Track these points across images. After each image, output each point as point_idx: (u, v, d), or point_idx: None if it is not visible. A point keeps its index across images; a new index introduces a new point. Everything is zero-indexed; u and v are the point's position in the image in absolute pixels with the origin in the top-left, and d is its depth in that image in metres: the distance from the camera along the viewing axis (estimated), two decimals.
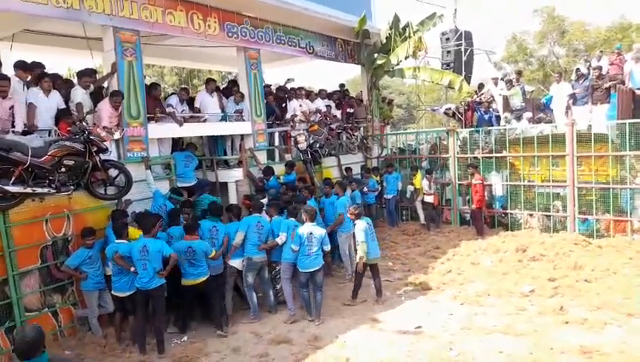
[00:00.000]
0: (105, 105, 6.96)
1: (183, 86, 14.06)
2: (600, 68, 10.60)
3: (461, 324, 6.19)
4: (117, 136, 6.91)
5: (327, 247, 6.60)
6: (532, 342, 5.53)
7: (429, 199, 10.97)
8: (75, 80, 7.65)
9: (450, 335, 5.87)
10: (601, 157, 9.46)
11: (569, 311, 6.34)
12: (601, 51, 12.47)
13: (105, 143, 6.49)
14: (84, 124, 6.40)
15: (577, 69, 11.40)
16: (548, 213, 10.07)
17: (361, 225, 6.93)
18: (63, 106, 6.77)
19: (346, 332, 6.13)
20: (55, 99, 6.67)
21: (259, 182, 8.94)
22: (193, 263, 6.14)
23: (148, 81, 9.25)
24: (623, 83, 10.61)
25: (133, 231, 6.30)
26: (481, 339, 5.74)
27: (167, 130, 8.09)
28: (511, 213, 10.65)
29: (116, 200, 6.85)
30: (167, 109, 8.14)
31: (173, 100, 8.57)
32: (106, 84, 7.45)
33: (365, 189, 10.54)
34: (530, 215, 10.39)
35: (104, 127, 6.62)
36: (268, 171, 9.07)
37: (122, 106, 7.12)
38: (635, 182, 9.22)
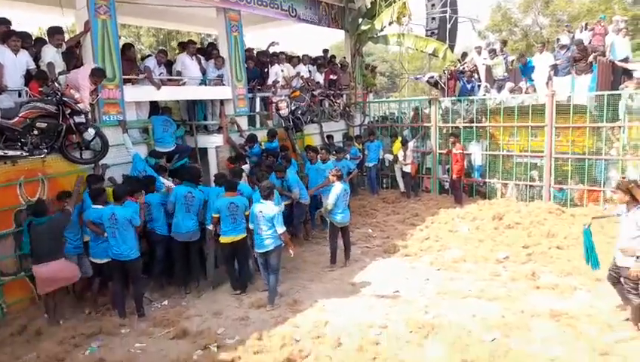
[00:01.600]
0: (85, 79, 6.48)
1: (160, 48, 13.57)
2: (581, 42, 10.63)
3: (437, 289, 6.36)
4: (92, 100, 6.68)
5: (280, 229, 5.92)
6: (504, 306, 5.74)
7: (407, 169, 11.04)
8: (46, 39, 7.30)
9: (426, 300, 6.04)
10: (578, 128, 9.61)
11: (541, 276, 6.57)
12: (586, 23, 12.46)
13: (79, 105, 6.29)
14: (56, 85, 6.17)
15: (559, 40, 11.42)
16: (525, 183, 10.27)
17: (337, 189, 7.06)
18: (33, 66, 6.49)
19: (325, 297, 6.24)
20: (24, 59, 6.37)
21: (240, 149, 8.85)
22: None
23: (123, 42, 8.86)
24: (603, 55, 10.69)
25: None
26: (456, 303, 5.92)
27: (145, 93, 7.86)
28: (489, 182, 10.83)
29: (93, 165, 6.70)
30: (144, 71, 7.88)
31: (151, 62, 8.27)
32: (81, 42, 7.13)
33: (347, 157, 10.53)
34: (505, 184, 10.58)
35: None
36: (251, 138, 8.97)
37: (94, 60, 6.86)
38: (610, 153, 9.43)
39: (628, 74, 10.74)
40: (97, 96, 6.85)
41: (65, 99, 6.10)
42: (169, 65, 8.89)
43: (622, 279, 5.10)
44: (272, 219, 5.89)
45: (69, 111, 6.15)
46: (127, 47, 8.00)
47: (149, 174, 6.89)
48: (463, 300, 6.02)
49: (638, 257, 4.83)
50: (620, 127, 9.23)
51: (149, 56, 9.09)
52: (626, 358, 4.53)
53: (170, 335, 5.33)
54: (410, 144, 11.12)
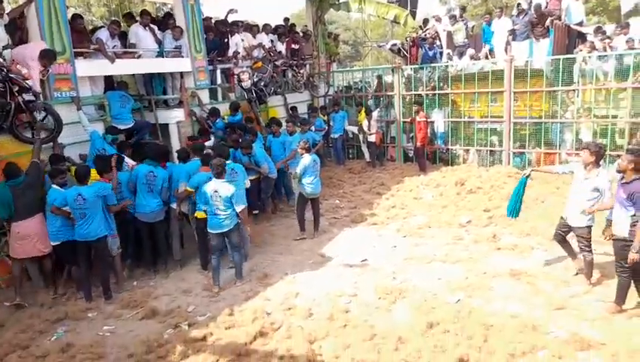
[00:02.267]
0: (34, 60, 6.06)
1: (113, 19, 12.90)
2: (539, 6, 10.78)
3: (404, 255, 6.54)
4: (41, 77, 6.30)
5: (240, 206, 5.79)
6: (467, 268, 5.98)
7: (372, 138, 11.11)
8: None
9: (393, 266, 6.20)
10: (535, 92, 9.87)
11: (501, 238, 6.85)
12: None
13: (27, 82, 5.94)
14: (0, 60, 5.79)
15: (519, 4, 11.53)
16: (485, 148, 10.54)
17: (305, 160, 7.08)
18: None
19: (295, 269, 6.30)
20: None
21: (205, 124, 8.64)
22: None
23: (71, 13, 8.36)
24: (559, 18, 10.90)
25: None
26: (422, 268, 6.12)
27: (98, 67, 7.50)
28: (451, 149, 11.05)
29: (50, 144, 6.40)
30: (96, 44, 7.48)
31: (103, 35, 7.84)
32: (25, 14, 6.66)
33: (312, 129, 10.48)
34: (467, 150, 10.84)
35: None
36: (214, 112, 8.75)
37: (41, 32, 6.47)
38: (565, 116, 9.76)
39: (582, 37, 11.04)
40: (48, 72, 6.48)
41: (11, 75, 5.76)
42: (123, 37, 8.48)
43: (576, 237, 5.38)
44: (230, 199, 5.67)
45: (16, 88, 5.81)
46: (76, 18, 7.56)
47: (115, 152, 6.62)
48: (429, 264, 6.22)
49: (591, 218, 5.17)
50: (574, 90, 9.53)
51: (101, 27, 8.62)
52: (579, 311, 4.83)
53: (140, 316, 5.28)
54: (375, 113, 11.16)
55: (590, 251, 5.31)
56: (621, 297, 4.76)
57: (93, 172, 5.91)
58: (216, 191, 5.68)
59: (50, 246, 5.67)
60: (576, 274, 5.54)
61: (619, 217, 4.67)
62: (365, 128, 11.08)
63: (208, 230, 5.90)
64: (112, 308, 5.51)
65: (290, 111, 11.07)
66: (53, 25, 6.64)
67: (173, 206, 6.52)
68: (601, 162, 5.25)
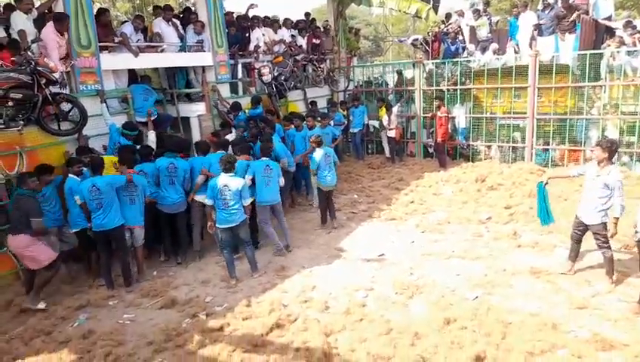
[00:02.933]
0: (49, 33, 6.36)
1: (137, 14, 13.09)
2: None
3: (422, 251, 6.50)
4: (65, 68, 6.46)
5: (247, 201, 5.89)
6: (487, 265, 5.90)
7: (391, 134, 11.04)
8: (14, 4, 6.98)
9: (411, 261, 6.17)
10: (561, 88, 9.64)
11: (522, 235, 6.74)
12: None
13: (54, 75, 6.10)
14: (29, 53, 5.95)
15: None
16: (507, 145, 10.36)
17: (317, 154, 7.27)
18: (3, 34, 6.23)
19: (312, 262, 6.33)
20: None
21: (226, 117, 8.72)
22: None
23: (96, 8, 8.52)
24: (587, 13, 10.61)
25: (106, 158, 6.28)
26: (440, 264, 6.07)
27: (122, 60, 7.63)
28: (472, 145, 10.90)
29: (75, 135, 6.56)
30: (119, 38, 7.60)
31: (128, 29, 7.99)
32: (52, 8, 6.84)
33: (331, 123, 10.47)
34: (489, 146, 10.67)
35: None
36: (235, 107, 8.83)
37: (70, 33, 6.60)
38: (591, 112, 9.52)
39: (610, 32, 10.72)
40: (71, 62, 6.63)
41: (39, 68, 5.92)
42: (146, 31, 8.61)
43: (593, 235, 5.28)
44: (239, 192, 5.73)
45: (44, 81, 5.97)
46: (102, 12, 7.70)
47: (144, 144, 6.86)
48: (447, 261, 6.16)
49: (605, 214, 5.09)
50: (601, 86, 9.28)
51: (126, 22, 8.77)
52: (602, 311, 4.72)
53: (159, 305, 5.38)
54: (395, 109, 11.07)
55: (609, 247, 5.21)
56: None
57: (109, 163, 6.11)
58: (226, 185, 5.73)
59: (51, 255, 5.41)
60: (566, 273, 5.50)
61: None
62: (385, 123, 11.01)
63: (217, 225, 5.91)
64: (132, 297, 5.63)
65: (310, 106, 11.07)
66: (79, 19, 6.79)
67: (199, 198, 6.58)
68: (614, 159, 5.19)
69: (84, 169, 5.99)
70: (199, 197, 6.61)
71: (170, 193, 6.40)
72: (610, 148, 5.01)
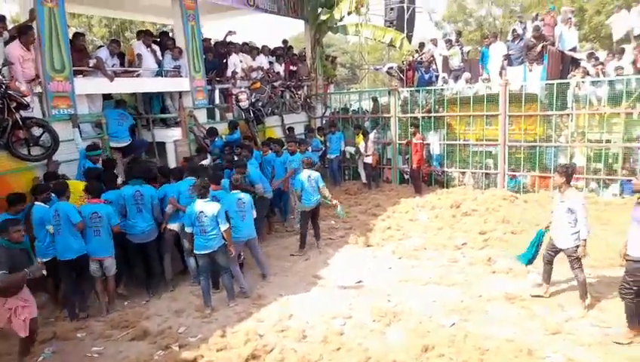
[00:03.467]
0: (15, 48, 6.24)
1: (113, 38, 13.06)
2: (539, 27, 10.98)
3: (399, 277, 6.50)
4: (37, 89, 6.36)
5: (224, 226, 5.67)
6: (462, 291, 5.94)
7: (368, 160, 11.17)
8: None
9: (389, 288, 6.15)
10: (530, 116, 9.97)
11: (497, 261, 6.82)
12: (537, 14, 12.90)
13: (26, 98, 5.98)
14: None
15: (514, 30, 11.76)
16: (481, 171, 10.59)
17: (303, 175, 7.42)
18: None
19: (289, 290, 6.24)
20: None
21: (203, 143, 8.68)
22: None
23: (72, 32, 8.46)
24: (553, 44, 11.10)
25: (75, 184, 6.12)
26: (418, 290, 6.07)
27: (97, 85, 7.54)
28: (447, 171, 11.10)
29: (46, 161, 6.40)
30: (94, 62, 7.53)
31: (103, 53, 7.94)
32: None
33: (309, 149, 10.52)
34: (463, 173, 10.90)
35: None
36: (212, 132, 8.81)
37: (39, 51, 6.51)
38: (559, 140, 9.85)
39: (575, 63, 11.23)
40: (39, 80, 6.52)
41: (10, 92, 5.82)
42: (123, 56, 8.57)
43: (567, 258, 5.40)
44: (215, 218, 5.62)
45: (14, 105, 5.84)
46: (77, 37, 7.63)
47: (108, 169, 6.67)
48: (424, 287, 6.17)
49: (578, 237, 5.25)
50: (568, 115, 9.65)
51: (101, 46, 8.73)
52: (575, 336, 4.78)
53: (130, 336, 5.19)
54: (371, 135, 11.23)
55: (582, 270, 5.32)
56: (632, 320, 4.67)
57: (77, 189, 5.98)
58: (202, 212, 5.61)
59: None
60: (542, 295, 5.60)
61: (636, 237, 4.59)
62: (362, 149, 11.14)
63: (194, 251, 5.79)
64: (101, 328, 5.42)
65: (288, 132, 11.13)
66: (53, 42, 6.71)
67: (172, 227, 6.45)
68: (572, 182, 5.41)
69: (53, 195, 5.81)
70: (172, 226, 6.48)
71: (139, 222, 6.16)
72: (567, 173, 5.23)
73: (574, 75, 10.21)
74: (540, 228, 5.84)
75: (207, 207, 5.64)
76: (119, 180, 6.77)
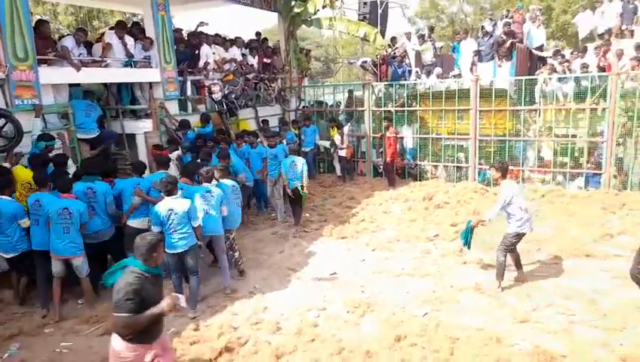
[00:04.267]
0: None
1: (79, 27, 12.64)
2: (509, 24, 11.22)
3: (373, 269, 6.56)
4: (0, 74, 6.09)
5: (195, 222, 5.40)
6: (435, 282, 6.05)
7: (342, 153, 11.22)
8: None
9: (362, 279, 6.21)
10: (500, 111, 10.20)
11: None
12: (508, 10, 13.18)
13: None
14: None
15: (483, 27, 11.98)
16: (452, 164, 10.78)
17: (288, 161, 8.10)
18: None
19: (263, 283, 6.22)
20: None
21: (174, 135, 8.52)
22: None
23: (36, 19, 8.14)
24: (521, 41, 11.37)
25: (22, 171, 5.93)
26: (391, 281, 6.15)
27: (63, 75, 7.28)
28: (420, 165, 11.25)
29: (5, 153, 6.15)
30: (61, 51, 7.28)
31: (69, 42, 7.64)
32: None
33: (283, 142, 10.47)
34: (435, 166, 11.08)
35: None
36: (184, 124, 8.64)
37: (3, 38, 6.25)
38: (527, 134, 10.12)
39: (542, 60, 11.55)
40: (5, 66, 6.27)
41: None
42: (90, 45, 8.30)
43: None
44: (187, 214, 5.28)
45: None
46: (42, 24, 7.31)
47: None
48: (397, 278, 6.26)
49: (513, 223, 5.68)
50: (536, 110, 9.91)
51: (68, 35, 8.43)
52: (542, 324, 4.94)
53: (100, 331, 5.06)
54: (346, 128, 11.27)
55: (503, 253, 5.71)
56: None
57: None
58: (170, 210, 5.24)
59: None
60: (500, 288, 5.74)
61: None
62: (337, 142, 11.17)
63: (165, 250, 5.11)
64: (70, 324, 5.28)
65: (262, 124, 11.05)
66: (15, 30, 6.43)
67: (133, 224, 6.11)
68: (508, 175, 5.83)
69: None
70: (134, 222, 6.12)
71: (93, 220, 5.81)
72: (502, 168, 5.72)
73: (542, 72, 10.49)
74: (469, 221, 6.08)
75: (176, 205, 5.29)
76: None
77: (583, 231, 7.41)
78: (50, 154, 6.44)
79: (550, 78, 9.86)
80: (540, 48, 11.93)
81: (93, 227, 5.83)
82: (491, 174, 5.98)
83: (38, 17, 16.03)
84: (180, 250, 5.35)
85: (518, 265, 5.93)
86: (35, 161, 6.08)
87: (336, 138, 11.17)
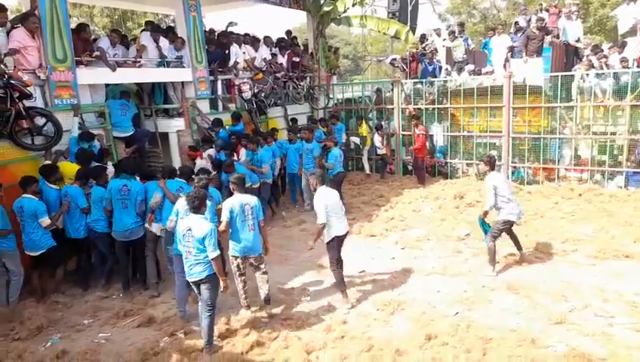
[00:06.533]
0: (19, 33, 6.28)
1: (114, 28, 13.01)
2: (543, 19, 10.91)
3: (402, 267, 6.50)
4: (42, 76, 6.34)
5: (213, 253, 4.43)
6: (466, 281, 5.94)
7: (382, 152, 11.22)
8: None
9: (392, 278, 6.16)
10: (534, 108, 9.93)
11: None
12: (541, 4, 12.82)
13: (29, 88, 5.97)
14: (2, 66, 5.81)
15: (517, 22, 11.69)
16: None
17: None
18: None
19: (292, 279, 6.26)
20: None
21: (207, 133, 8.68)
22: None
23: (77, 23, 8.45)
24: (557, 36, 11.03)
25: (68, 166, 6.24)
26: (421, 280, 6.08)
27: (99, 75, 7.54)
28: (450, 163, 11.08)
29: (44, 151, 6.40)
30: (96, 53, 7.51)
31: (104, 43, 7.92)
32: None
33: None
34: (467, 164, 10.88)
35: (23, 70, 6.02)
36: (217, 123, 8.82)
37: (43, 40, 6.52)
38: (563, 132, 9.82)
39: (578, 56, 11.17)
40: (46, 68, 6.53)
41: (12, 81, 5.79)
42: (127, 46, 8.55)
43: None
44: (202, 241, 4.43)
45: (17, 94, 5.83)
46: (82, 28, 7.63)
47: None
48: (427, 277, 6.18)
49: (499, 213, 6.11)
50: (572, 107, 9.60)
51: (102, 37, 8.71)
52: (579, 325, 4.78)
53: (136, 323, 5.21)
54: (384, 126, 11.30)
55: (492, 239, 6.06)
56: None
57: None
58: (189, 230, 4.49)
59: None
60: (495, 272, 6.09)
61: None
62: (378, 143, 11.19)
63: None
64: (108, 316, 5.45)
65: (291, 123, 11.13)
66: (55, 33, 6.69)
67: (152, 227, 5.96)
68: (496, 168, 6.34)
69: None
70: (154, 227, 5.91)
71: (124, 218, 5.83)
72: (490, 162, 6.22)
73: (579, 68, 10.15)
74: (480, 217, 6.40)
75: (195, 225, 4.48)
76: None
77: (623, 232, 7.14)
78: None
79: (587, 74, 9.53)
80: (576, 43, 11.53)
81: (124, 225, 5.87)
82: (480, 168, 6.56)
83: (76, 19, 16.61)
84: (196, 279, 4.56)
85: (518, 246, 6.38)
86: (81, 157, 6.40)
87: (376, 138, 11.17)
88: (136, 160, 7.24)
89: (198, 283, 4.60)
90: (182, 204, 4.93)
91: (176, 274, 5.30)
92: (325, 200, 5.37)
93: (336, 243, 5.51)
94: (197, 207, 4.53)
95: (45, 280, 5.93)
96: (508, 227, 6.13)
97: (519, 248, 6.38)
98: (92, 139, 6.87)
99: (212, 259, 4.44)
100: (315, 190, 5.06)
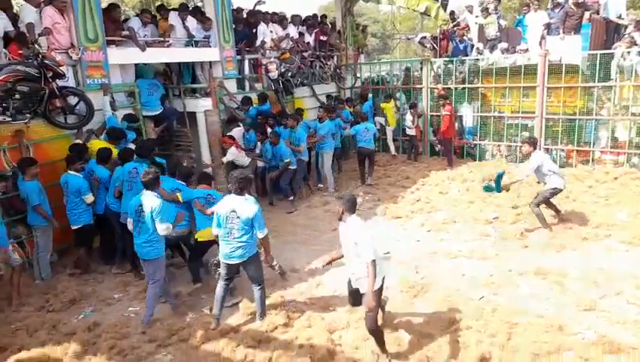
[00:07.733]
0: (48, 11, 6.40)
1: (144, 8, 13.10)
2: None
3: (428, 250, 6.45)
4: (74, 56, 6.47)
5: (262, 232, 4.58)
6: (493, 265, 5.85)
7: (412, 132, 10.99)
8: None
9: (417, 260, 6.12)
10: (570, 88, 9.54)
11: (529, 236, 6.67)
12: None
13: (61, 68, 6.11)
14: (36, 46, 5.95)
15: None
16: (515, 144, 10.26)
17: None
18: (11, 28, 6.25)
19: (317, 259, 6.27)
20: (2, 20, 6.14)
21: (234, 113, 8.72)
22: None
23: (106, 2, 8.54)
24: (597, 12, 10.49)
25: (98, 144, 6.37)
26: (446, 263, 6.02)
27: (129, 55, 7.63)
28: (480, 144, 10.82)
29: (77, 130, 6.57)
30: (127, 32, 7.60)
31: (135, 23, 7.99)
32: None
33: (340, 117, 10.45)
34: (498, 146, 10.60)
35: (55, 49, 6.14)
36: (246, 101, 8.88)
37: (75, 19, 6.62)
38: (600, 113, 9.41)
39: (619, 33, 10.60)
40: (75, 50, 6.65)
41: (46, 61, 5.93)
42: (157, 26, 8.61)
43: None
44: (250, 221, 4.50)
45: (50, 74, 5.98)
46: (113, 8, 7.73)
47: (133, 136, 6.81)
48: (453, 260, 6.12)
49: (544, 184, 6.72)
50: (611, 87, 9.17)
51: (135, 16, 8.78)
52: (610, 313, 4.66)
53: (163, 299, 5.36)
54: (419, 105, 11.05)
55: (536, 206, 6.66)
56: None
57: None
58: (233, 211, 4.52)
59: None
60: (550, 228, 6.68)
61: None
62: (409, 123, 10.96)
63: (222, 259, 4.76)
64: (137, 291, 5.63)
65: (326, 100, 11.17)
66: (86, 13, 6.78)
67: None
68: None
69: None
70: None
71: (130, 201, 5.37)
72: (533, 142, 6.70)
73: (620, 45, 9.64)
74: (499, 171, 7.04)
75: (241, 207, 4.52)
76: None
77: None
78: None
79: (629, 52, 9.05)
80: (619, 19, 10.93)
81: (126, 206, 5.58)
82: (524, 149, 6.86)
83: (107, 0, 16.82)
84: (239, 261, 4.65)
85: (556, 210, 6.93)
86: (112, 135, 6.54)
87: (407, 117, 10.96)
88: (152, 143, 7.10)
89: (240, 265, 4.71)
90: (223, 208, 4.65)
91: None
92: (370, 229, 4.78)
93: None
94: (242, 188, 4.60)
95: (86, 255, 6.18)
96: (555, 194, 6.66)
97: (557, 211, 6.94)
98: (136, 121, 7.14)
99: (261, 239, 4.66)
100: (341, 219, 4.38)
